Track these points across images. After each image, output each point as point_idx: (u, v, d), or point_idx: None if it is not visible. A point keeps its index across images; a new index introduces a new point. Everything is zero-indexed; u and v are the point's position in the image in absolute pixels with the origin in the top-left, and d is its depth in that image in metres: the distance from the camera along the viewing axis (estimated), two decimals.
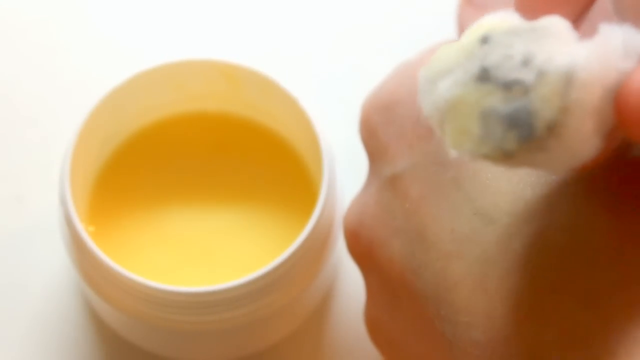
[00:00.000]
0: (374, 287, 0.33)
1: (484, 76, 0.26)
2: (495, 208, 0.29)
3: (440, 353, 0.30)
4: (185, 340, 0.39)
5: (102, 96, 0.40)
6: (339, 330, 0.43)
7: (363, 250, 0.33)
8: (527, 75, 0.26)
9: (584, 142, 0.26)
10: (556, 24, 0.26)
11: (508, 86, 0.26)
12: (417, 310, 0.31)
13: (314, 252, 0.39)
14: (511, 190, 0.29)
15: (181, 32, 0.49)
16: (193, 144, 0.43)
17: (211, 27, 0.49)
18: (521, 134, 0.26)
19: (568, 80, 0.25)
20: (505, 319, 0.28)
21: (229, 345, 0.41)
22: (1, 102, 0.47)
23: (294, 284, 0.38)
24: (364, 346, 0.42)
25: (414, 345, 0.32)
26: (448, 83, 0.27)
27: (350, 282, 0.43)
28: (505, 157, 0.26)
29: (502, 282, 0.28)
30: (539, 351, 0.27)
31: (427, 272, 0.30)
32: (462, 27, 0.37)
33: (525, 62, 0.26)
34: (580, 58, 0.25)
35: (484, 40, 0.27)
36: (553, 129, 0.25)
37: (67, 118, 0.43)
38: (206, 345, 0.40)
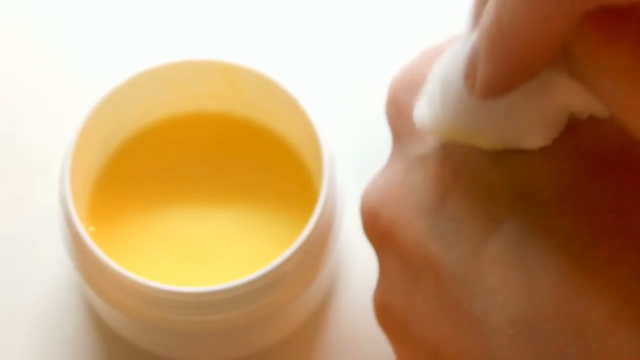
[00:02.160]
0: (391, 269, 0.33)
1: None
2: (535, 187, 0.28)
3: (466, 333, 0.29)
4: (185, 340, 0.39)
5: (102, 96, 0.40)
6: (339, 330, 0.43)
7: (383, 231, 0.32)
8: None
9: None
10: None
11: None
12: (441, 291, 0.30)
13: (314, 252, 0.39)
14: (550, 168, 0.28)
15: (181, 32, 0.49)
16: (193, 144, 0.43)
17: (211, 27, 0.49)
18: None
19: None
20: (548, 295, 0.27)
21: (229, 345, 0.41)
22: (1, 102, 0.47)
23: (294, 284, 0.38)
24: (364, 347, 0.42)
25: (432, 328, 0.31)
26: None
27: (350, 283, 0.43)
28: None
29: (545, 260, 0.27)
30: (588, 327, 0.26)
31: (459, 251, 0.29)
32: (477, 15, 0.36)
33: None
34: None
35: None
36: None
37: (67, 118, 0.43)
38: (206, 345, 0.40)
